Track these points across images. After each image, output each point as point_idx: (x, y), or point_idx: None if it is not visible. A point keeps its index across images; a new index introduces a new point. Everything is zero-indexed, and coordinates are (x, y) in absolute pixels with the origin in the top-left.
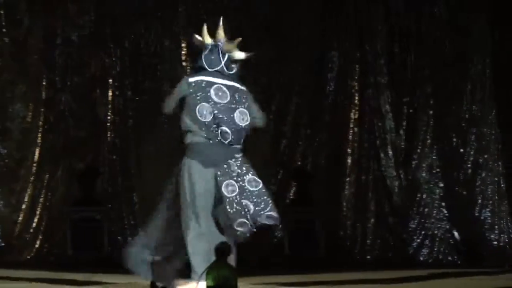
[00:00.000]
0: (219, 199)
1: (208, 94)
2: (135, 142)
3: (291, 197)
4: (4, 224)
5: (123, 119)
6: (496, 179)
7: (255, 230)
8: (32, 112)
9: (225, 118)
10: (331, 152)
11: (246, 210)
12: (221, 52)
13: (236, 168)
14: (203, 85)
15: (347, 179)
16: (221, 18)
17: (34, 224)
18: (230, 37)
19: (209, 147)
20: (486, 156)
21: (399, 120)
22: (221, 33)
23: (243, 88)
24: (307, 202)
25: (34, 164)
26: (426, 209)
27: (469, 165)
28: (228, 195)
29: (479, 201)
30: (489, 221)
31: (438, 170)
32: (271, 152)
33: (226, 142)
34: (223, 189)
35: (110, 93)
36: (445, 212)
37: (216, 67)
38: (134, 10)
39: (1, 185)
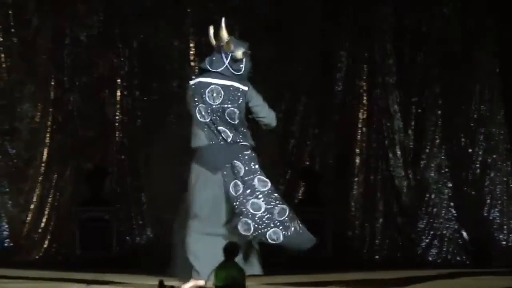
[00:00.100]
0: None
1: (203, 95)
2: (144, 142)
3: (300, 197)
4: (12, 224)
5: (132, 119)
6: (504, 179)
7: (258, 232)
8: (41, 112)
9: (218, 118)
10: (339, 152)
11: (252, 210)
12: (225, 52)
13: (242, 167)
14: (201, 86)
15: (356, 179)
16: (223, 19)
17: (42, 224)
18: (238, 37)
19: (211, 150)
20: (494, 156)
21: (407, 120)
22: (224, 33)
23: (244, 88)
24: (316, 202)
25: (43, 164)
26: (435, 209)
27: (477, 165)
28: (235, 195)
29: (488, 201)
30: (498, 221)
31: (446, 170)
32: (280, 152)
33: (228, 141)
34: (230, 190)
35: (118, 93)
36: (454, 212)
37: (218, 68)
38: (143, 10)
39: (9, 185)
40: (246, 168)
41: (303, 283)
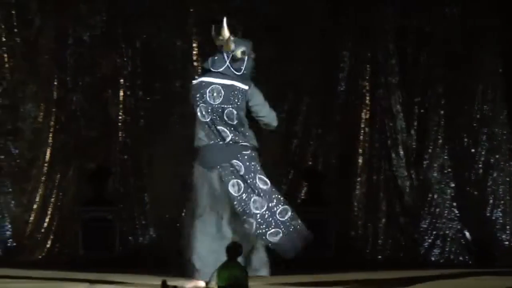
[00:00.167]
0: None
1: (204, 95)
2: (147, 142)
3: (302, 197)
4: (15, 224)
5: (135, 119)
6: (507, 179)
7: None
8: (44, 112)
9: (218, 118)
10: (342, 152)
11: (254, 208)
12: (226, 52)
13: (242, 166)
14: (203, 86)
15: (358, 179)
16: (225, 18)
17: (45, 224)
18: (241, 36)
19: (210, 150)
20: (497, 156)
21: (410, 120)
22: (225, 33)
23: (244, 87)
24: (318, 202)
25: (46, 164)
26: (437, 209)
27: (480, 165)
28: (235, 194)
29: (491, 201)
30: (501, 221)
31: (449, 170)
32: (282, 152)
33: (227, 141)
34: (229, 189)
35: (121, 93)
36: (457, 212)
37: (220, 67)
38: (146, 10)
39: (12, 185)
40: (246, 167)
41: (305, 283)
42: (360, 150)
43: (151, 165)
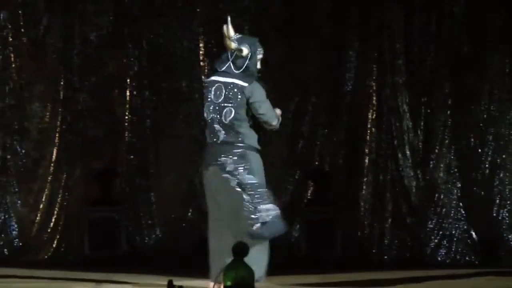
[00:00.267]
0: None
1: (209, 94)
2: (153, 142)
3: (309, 197)
4: (21, 224)
5: (141, 119)
6: None
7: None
8: (50, 112)
9: (217, 117)
10: (348, 152)
11: (244, 204)
12: (230, 51)
13: (231, 164)
14: (210, 84)
15: (365, 179)
16: (229, 17)
17: (51, 224)
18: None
19: (207, 149)
20: (504, 156)
21: (416, 120)
22: (229, 32)
23: (243, 84)
24: (325, 202)
25: (52, 164)
26: (444, 209)
27: (487, 165)
28: (225, 193)
29: (497, 201)
30: (507, 221)
31: (455, 170)
32: (289, 152)
33: (220, 140)
34: (220, 187)
35: (128, 93)
36: (463, 212)
37: (224, 66)
38: (152, 10)
39: (19, 185)
40: (234, 166)
41: (312, 283)
42: (367, 150)
43: (158, 165)
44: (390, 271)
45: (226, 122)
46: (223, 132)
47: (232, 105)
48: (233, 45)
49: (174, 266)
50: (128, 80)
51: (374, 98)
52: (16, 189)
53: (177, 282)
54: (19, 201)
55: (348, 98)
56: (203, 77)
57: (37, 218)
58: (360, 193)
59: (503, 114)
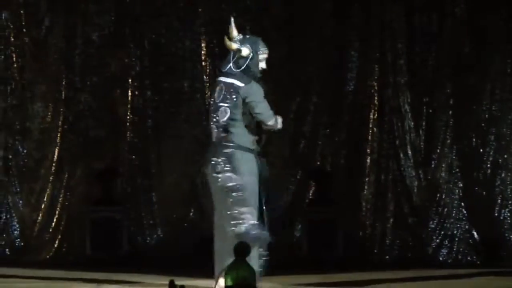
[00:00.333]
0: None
1: (214, 94)
2: (155, 142)
3: (310, 197)
4: (23, 224)
5: (143, 119)
6: None
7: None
8: (52, 112)
9: (215, 117)
10: (350, 152)
11: (228, 206)
12: (232, 51)
13: (219, 166)
14: (215, 85)
15: (366, 179)
16: (232, 18)
17: (53, 224)
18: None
19: (210, 147)
20: (505, 156)
21: (418, 120)
22: (232, 32)
23: (240, 84)
24: (326, 202)
25: (54, 164)
26: (446, 209)
27: (488, 165)
28: (220, 191)
29: (499, 201)
30: (509, 221)
31: (457, 170)
32: (290, 152)
33: (213, 140)
34: (212, 186)
35: (129, 93)
36: (465, 212)
37: (226, 67)
38: (154, 10)
39: (20, 185)
40: (222, 164)
41: (313, 283)
42: (368, 150)
43: (159, 165)
44: (391, 271)
45: (221, 122)
46: (216, 131)
47: (228, 105)
48: (234, 45)
49: (176, 266)
50: (130, 80)
51: (376, 98)
52: (18, 189)
53: (178, 282)
54: (20, 201)
55: (349, 98)
56: (205, 77)
57: (39, 218)
58: (361, 193)
59: (504, 114)
